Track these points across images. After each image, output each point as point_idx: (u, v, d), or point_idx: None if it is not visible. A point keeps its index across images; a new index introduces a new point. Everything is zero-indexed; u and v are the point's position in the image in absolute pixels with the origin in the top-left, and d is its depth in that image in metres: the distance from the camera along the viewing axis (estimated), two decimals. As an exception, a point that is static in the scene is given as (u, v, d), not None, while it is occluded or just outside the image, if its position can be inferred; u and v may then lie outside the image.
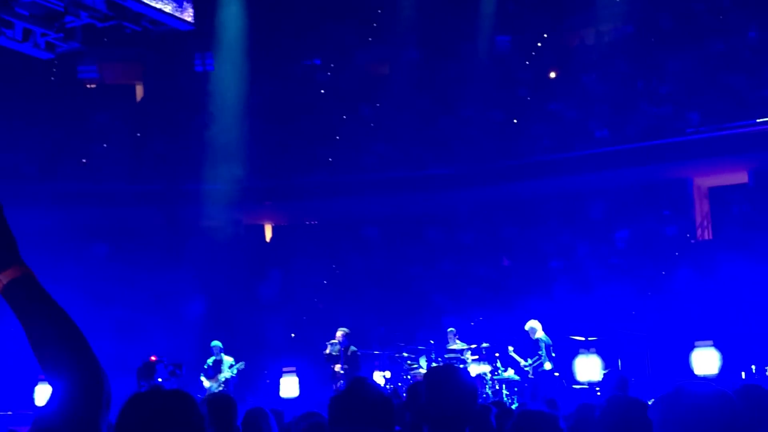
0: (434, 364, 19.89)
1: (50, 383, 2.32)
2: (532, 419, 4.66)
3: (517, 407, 16.00)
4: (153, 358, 14.04)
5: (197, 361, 20.58)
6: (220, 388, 19.33)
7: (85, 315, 20.42)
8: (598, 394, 17.53)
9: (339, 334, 19.35)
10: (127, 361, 17.19)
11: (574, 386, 20.39)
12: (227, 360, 20.09)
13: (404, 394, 16.57)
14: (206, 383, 19.81)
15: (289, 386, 21.45)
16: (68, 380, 2.28)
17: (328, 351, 19.34)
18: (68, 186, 28.20)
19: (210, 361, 20.20)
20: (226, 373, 19.86)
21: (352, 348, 19.33)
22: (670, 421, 3.00)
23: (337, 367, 18.96)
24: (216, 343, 20.37)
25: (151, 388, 3.08)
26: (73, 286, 23.28)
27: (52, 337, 2.32)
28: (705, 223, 28.42)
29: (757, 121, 26.18)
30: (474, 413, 4.18)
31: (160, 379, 14.84)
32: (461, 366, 19.51)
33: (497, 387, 19.65)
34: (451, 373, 4.26)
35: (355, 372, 18.99)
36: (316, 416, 6.21)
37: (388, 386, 20.09)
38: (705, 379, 18.45)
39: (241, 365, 20.00)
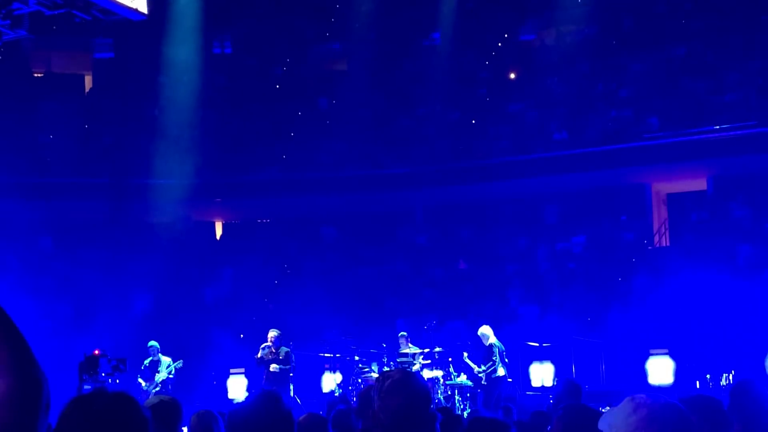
0: (386, 368, 19.47)
1: None
2: (484, 427, 4.24)
3: (469, 414, 15.58)
4: (96, 352, 13.43)
5: (143, 359, 19.96)
6: (157, 389, 18.72)
7: (28, 309, 19.88)
8: (551, 401, 17.23)
9: (271, 335, 18.99)
10: (71, 358, 16.58)
11: (528, 392, 20.14)
12: (165, 360, 19.50)
13: (355, 399, 16.06)
14: (143, 384, 19.22)
15: (237, 388, 20.98)
16: (4, 382, 2.14)
17: (259, 355, 18.90)
18: (12, 177, 27.40)
19: (147, 361, 19.59)
20: (162, 374, 19.26)
21: (284, 348, 18.98)
22: None
23: (273, 367, 18.55)
24: (153, 343, 19.79)
25: (93, 389, 2.70)
26: (16, 280, 22.63)
27: None
28: (663, 229, 28.23)
29: (717, 127, 26.03)
30: (427, 419, 4.05)
31: (103, 374, 14.28)
32: (413, 369, 19.09)
33: (449, 392, 19.26)
34: (403, 378, 4.11)
35: (292, 371, 18.68)
36: None
37: (337, 392, 19.62)
38: (657, 390, 18.19)
39: (179, 364, 19.41)
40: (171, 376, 19.40)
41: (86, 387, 11.83)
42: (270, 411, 3.78)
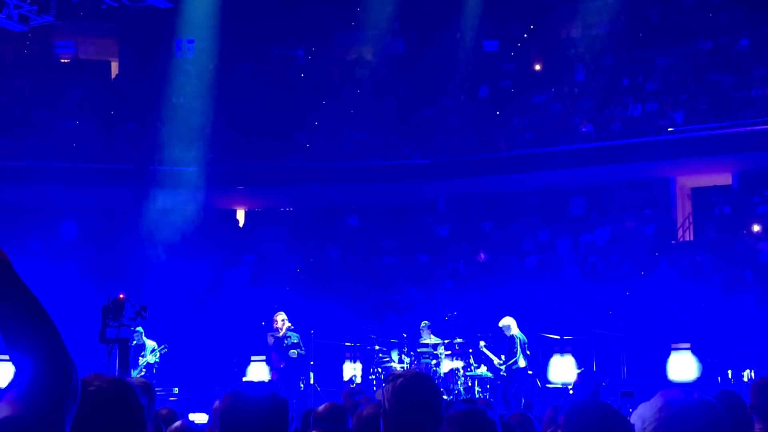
0: (406, 359, 19.48)
1: (16, 369, 2.15)
2: (463, 420, 3.94)
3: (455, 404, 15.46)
4: (121, 296, 13.38)
5: (165, 345, 20.01)
6: (142, 373, 18.71)
7: (51, 294, 19.96)
8: (571, 392, 17.18)
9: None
10: (93, 341, 16.68)
11: (548, 386, 20.06)
12: (149, 344, 19.48)
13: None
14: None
15: (258, 374, 20.97)
16: (33, 371, 2.12)
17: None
18: (38, 162, 27.58)
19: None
20: (148, 358, 19.23)
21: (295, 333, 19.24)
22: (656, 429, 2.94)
23: (292, 353, 18.82)
24: (137, 328, 19.78)
25: (89, 374, 2.74)
26: (41, 264, 22.77)
27: (21, 323, 2.14)
28: (687, 223, 28.06)
29: (743, 122, 25.85)
30: (440, 422, 3.95)
31: (127, 318, 14.27)
32: (432, 362, 19.11)
33: (469, 383, 19.21)
34: (416, 378, 4.04)
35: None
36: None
37: (355, 381, 19.64)
38: (689, 387, 18.09)
39: (163, 349, 19.35)
40: (157, 360, 19.32)
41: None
42: (268, 397, 3.70)
